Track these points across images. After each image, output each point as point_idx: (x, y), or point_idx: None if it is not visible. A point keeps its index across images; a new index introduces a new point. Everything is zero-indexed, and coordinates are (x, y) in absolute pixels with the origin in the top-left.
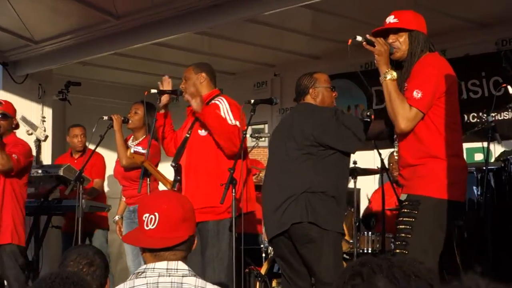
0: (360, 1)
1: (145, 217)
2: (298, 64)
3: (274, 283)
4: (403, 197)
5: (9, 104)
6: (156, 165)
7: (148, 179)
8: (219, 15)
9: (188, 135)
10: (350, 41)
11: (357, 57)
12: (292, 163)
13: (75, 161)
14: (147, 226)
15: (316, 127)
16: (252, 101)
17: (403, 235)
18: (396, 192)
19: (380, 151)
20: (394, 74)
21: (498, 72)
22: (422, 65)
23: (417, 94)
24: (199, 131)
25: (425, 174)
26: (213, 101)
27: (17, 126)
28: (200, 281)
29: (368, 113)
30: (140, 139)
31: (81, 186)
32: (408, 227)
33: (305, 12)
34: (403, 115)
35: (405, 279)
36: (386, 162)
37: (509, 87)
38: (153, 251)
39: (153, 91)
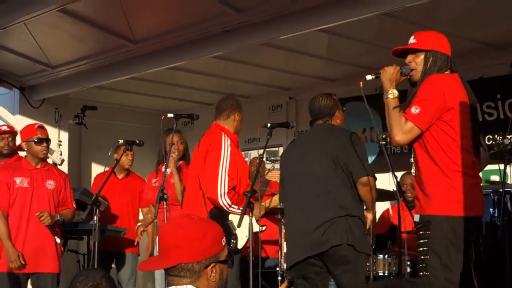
0: (375, 25)
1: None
2: (314, 87)
3: None
4: (416, 217)
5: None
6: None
7: (164, 203)
8: (234, 39)
9: None
10: (361, 83)
11: (372, 80)
12: (330, 186)
13: (119, 181)
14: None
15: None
16: (269, 125)
17: (422, 257)
18: (412, 214)
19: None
20: (395, 92)
21: None
22: (424, 83)
23: (415, 110)
24: None
25: (431, 193)
26: None
27: None
28: None
29: (384, 136)
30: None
31: (97, 210)
32: (425, 248)
33: (320, 36)
34: (398, 128)
35: None
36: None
37: None
38: (166, 274)
39: (170, 115)
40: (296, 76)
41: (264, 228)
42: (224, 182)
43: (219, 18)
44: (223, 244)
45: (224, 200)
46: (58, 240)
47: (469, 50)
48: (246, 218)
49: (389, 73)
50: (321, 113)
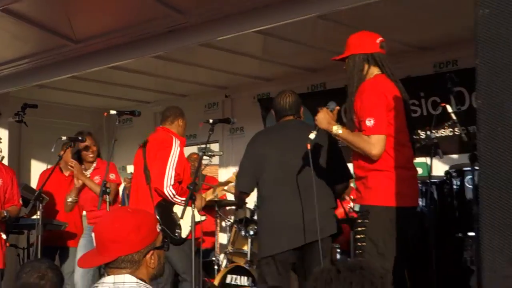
0: (309, 27)
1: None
2: (249, 86)
3: None
4: (356, 207)
5: None
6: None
7: (107, 197)
8: (174, 40)
9: None
10: (309, 145)
11: (305, 79)
12: (316, 178)
13: (65, 178)
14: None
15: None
16: (211, 120)
17: (359, 244)
18: (343, 205)
19: None
20: (339, 126)
21: (435, 92)
22: (360, 94)
23: (369, 122)
24: None
25: (372, 185)
26: None
27: None
28: None
29: (317, 129)
30: (94, 166)
31: (40, 205)
32: (362, 236)
33: (257, 37)
34: (368, 146)
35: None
36: None
37: (448, 106)
38: (104, 267)
39: (113, 112)
40: (232, 76)
41: (204, 218)
42: (171, 176)
43: (160, 20)
44: (158, 230)
45: (169, 191)
46: (3, 236)
47: (397, 51)
48: (189, 210)
49: (322, 118)
50: (291, 109)
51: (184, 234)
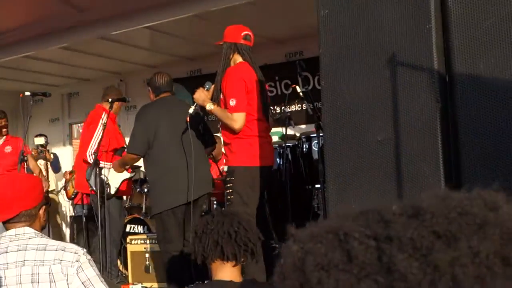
0: (187, 24)
1: None
2: (139, 72)
3: (128, 240)
4: (225, 168)
5: None
6: None
7: (25, 164)
8: (76, 33)
9: None
10: (188, 119)
11: (184, 66)
12: (197, 144)
13: None
14: None
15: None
16: (110, 99)
17: (228, 197)
18: (218, 166)
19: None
20: (211, 103)
21: (287, 77)
22: (225, 78)
23: (232, 102)
24: None
25: (235, 150)
26: None
27: None
28: (44, 240)
29: (195, 106)
30: (4, 138)
31: None
32: (230, 190)
33: (145, 32)
34: (232, 122)
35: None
36: None
37: (297, 87)
38: (4, 223)
39: (27, 93)
40: (125, 63)
41: (132, 174)
42: (93, 146)
43: (64, 16)
44: (44, 191)
45: (90, 158)
46: None
47: (256, 43)
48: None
49: (199, 96)
50: (169, 86)
51: (112, 191)
